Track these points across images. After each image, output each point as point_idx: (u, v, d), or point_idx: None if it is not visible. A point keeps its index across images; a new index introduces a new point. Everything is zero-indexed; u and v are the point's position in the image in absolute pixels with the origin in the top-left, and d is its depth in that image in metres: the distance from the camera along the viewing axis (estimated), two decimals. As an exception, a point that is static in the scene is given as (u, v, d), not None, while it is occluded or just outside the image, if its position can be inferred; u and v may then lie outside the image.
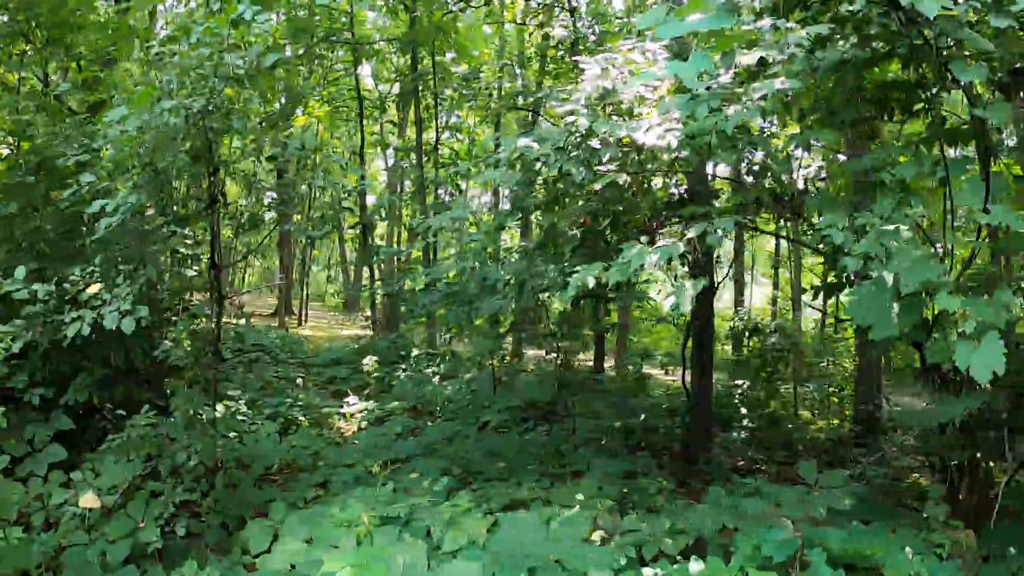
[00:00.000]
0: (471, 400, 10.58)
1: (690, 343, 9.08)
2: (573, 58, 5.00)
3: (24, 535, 5.10)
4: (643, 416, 10.10)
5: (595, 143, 4.21)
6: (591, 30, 13.23)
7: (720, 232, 3.86)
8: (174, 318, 7.35)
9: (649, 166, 4.63)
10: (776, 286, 20.39)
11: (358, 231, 18.05)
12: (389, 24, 19.99)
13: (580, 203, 5.16)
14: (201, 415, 6.29)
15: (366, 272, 28.54)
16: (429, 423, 9.57)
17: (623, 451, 8.65)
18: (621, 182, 4.37)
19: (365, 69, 21.82)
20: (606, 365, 14.46)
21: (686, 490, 7.29)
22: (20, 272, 5.23)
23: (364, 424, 9.98)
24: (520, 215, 4.98)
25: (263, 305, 25.57)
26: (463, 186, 19.42)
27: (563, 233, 5.74)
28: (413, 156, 17.97)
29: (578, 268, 6.27)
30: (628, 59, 4.56)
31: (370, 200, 21.07)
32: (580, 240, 5.54)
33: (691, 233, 3.77)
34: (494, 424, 9.26)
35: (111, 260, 7.21)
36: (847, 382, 12.15)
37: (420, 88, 16.33)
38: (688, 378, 9.04)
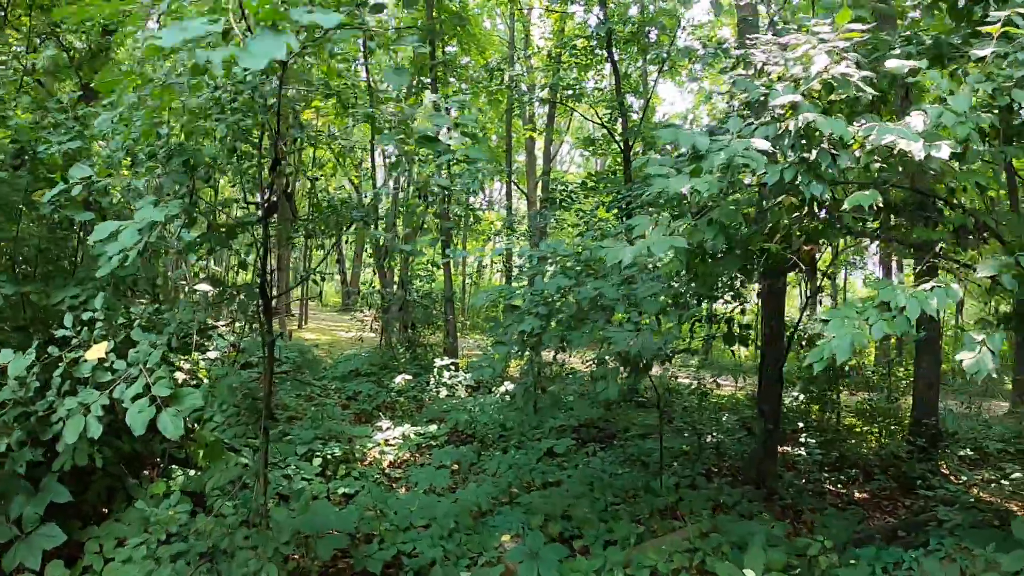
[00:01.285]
0: (516, 421, 9.73)
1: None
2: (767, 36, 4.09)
3: None
4: (709, 438, 9.41)
5: (826, 146, 3.33)
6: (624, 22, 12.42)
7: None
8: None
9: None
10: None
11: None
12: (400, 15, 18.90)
13: (785, 220, 4.25)
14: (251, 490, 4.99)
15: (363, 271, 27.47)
16: (482, 454, 8.67)
17: (699, 478, 7.94)
18: (880, 203, 3.50)
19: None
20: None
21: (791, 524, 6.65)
22: None
23: (404, 453, 9.02)
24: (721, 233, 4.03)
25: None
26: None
27: (738, 256, 4.77)
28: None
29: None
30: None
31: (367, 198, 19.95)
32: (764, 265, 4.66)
33: (984, 272, 2.99)
34: (557, 451, 8.45)
35: (120, 295, 5.61)
36: (901, 392, 11.62)
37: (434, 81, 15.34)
38: (759, 395, 8.43)
